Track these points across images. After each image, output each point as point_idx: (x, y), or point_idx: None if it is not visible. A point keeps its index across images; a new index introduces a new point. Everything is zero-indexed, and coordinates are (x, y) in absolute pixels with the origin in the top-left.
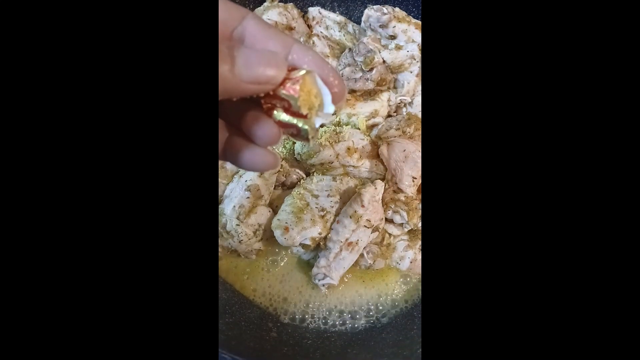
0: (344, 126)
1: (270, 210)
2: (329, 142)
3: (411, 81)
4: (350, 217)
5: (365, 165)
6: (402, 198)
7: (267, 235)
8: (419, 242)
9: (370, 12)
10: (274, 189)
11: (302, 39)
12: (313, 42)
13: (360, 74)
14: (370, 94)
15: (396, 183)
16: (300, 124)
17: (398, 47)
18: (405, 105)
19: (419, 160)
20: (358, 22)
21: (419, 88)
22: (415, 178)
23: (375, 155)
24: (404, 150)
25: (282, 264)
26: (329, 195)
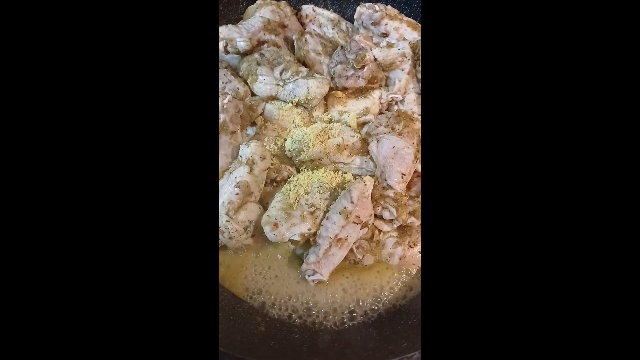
0: (335, 123)
1: (261, 207)
2: (320, 139)
3: (402, 79)
4: (340, 214)
5: (355, 162)
6: (391, 194)
7: (258, 232)
8: (408, 239)
9: (363, 10)
10: (265, 185)
11: (294, 37)
12: (306, 40)
13: (352, 71)
14: (361, 92)
15: (385, 179)
16: None
17: (390, 45)
18: (396, 103)
19: (408, 157)
20: (351, 20)
21: (411, 86)
22: (404, 174)
23: (366, 152)
24: (393, 147)
25: (271, 259)
26: (318, 191)
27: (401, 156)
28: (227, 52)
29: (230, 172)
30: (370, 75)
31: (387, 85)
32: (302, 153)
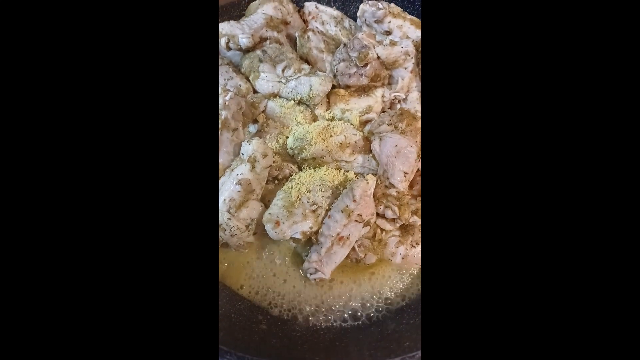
0: (337, 121)
1: (262, 204)
2: (322, 137)
3: (405, 77)
4: (342, 212)
5: (357, 160)
6: (394, 193)
7: (259, 229)
8: (411, 238)
9: (366, 7)
10: (267, 183)
11: (297, 34)
12: (308, 37)
13: (355, 69)
14: (364, 90)
15: (388, 178)
16: None
17: (393, 43)
18: (399, 101)
19: (411, 156)
20: (354, 18)
21: (414, 84)
22: (407, 173)
23: (368, 150)
24: (396, 146)
25: (273, 257)
26: (320, 189)
27: (404, 155)
28: (229, 48)
29: (232, 170)
30: (373, 73)
31: (390, 83)
32: (304, 151)
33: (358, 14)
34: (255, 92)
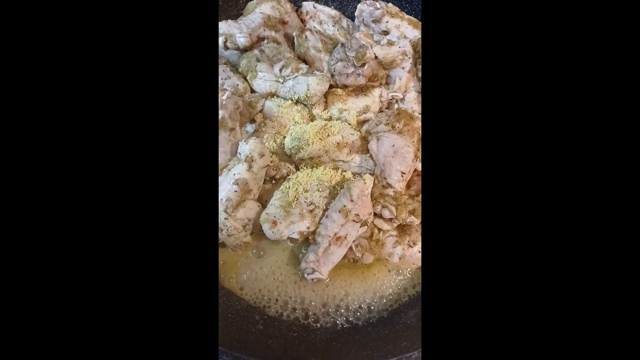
0: (335, 121)
1: (260, 204)
2: (319, 136)
3: (403, 77)
4: (339, 212)
5: (355, 160)
6: (391, 193)
7: (257, 229)
8: (408, 238)
9: (363, 7)
10: (264, 183)
11: (295, 34)
12: (306, 37)
13: (352, 69)
14: (362, 90)
15: (385, 178)
16: None
17: (390, 43)
18: (397, 101)
19: (408, 156)
20: (352, 18)
21: (411, 84)
22: (404, 173)
23: (365, 150)
24: (393, 146)
25: (270, 257)
26: (318, 189)
27: (401, 155)
28: (226, 48)
29: (229, 170)
30: (371, 73)
31: (387, 83)
32: (301, 151)
33: (356, 13)
34: (252, 91)
